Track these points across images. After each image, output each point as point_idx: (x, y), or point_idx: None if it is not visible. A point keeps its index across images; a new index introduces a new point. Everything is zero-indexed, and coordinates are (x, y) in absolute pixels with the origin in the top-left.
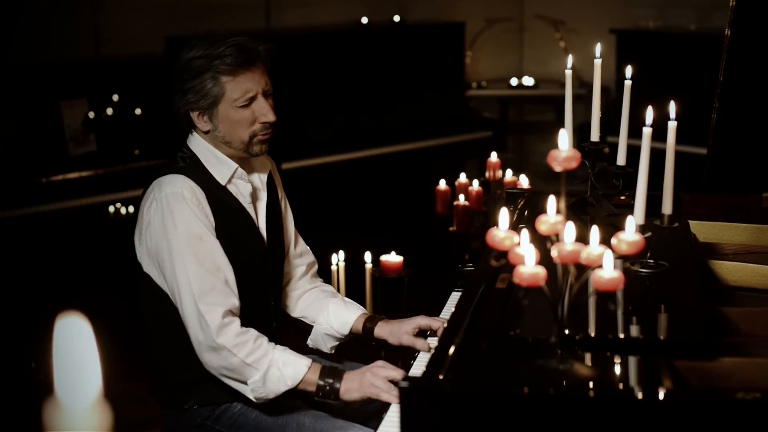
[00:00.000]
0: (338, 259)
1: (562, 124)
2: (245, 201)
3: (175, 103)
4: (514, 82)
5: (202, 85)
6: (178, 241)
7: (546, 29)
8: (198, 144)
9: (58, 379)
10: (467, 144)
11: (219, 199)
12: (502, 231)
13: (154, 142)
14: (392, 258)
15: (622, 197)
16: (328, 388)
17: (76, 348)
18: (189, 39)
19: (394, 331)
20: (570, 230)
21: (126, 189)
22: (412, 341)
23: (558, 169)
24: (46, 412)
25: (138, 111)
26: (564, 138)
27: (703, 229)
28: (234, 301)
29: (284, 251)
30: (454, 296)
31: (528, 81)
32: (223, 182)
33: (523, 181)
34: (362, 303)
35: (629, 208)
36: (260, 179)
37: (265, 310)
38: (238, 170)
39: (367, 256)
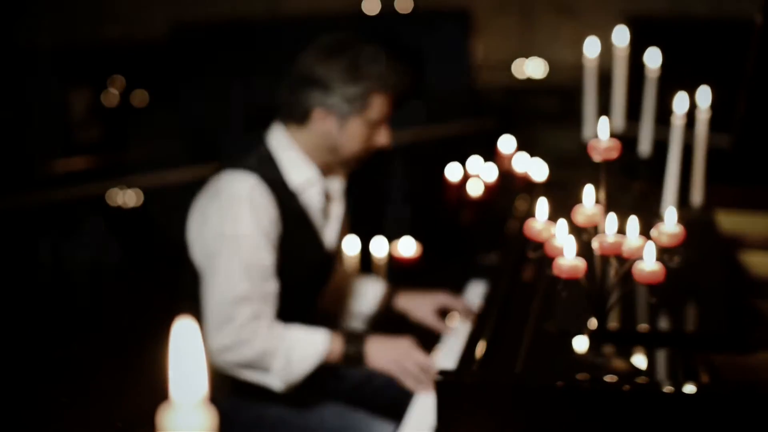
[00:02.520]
0: (351, 247)
1: (568, 114)
2: (315, 211)
3: (302, 94)
4: (520, 70)
5: (352, 92)
6: (233, 242)
7: (554, 16)
8: (281, 141)
9: (173, 382)
10: (472, 132)
11: (286, 206)
12: (540, 222)
13: (158, 131)
14: (408, 245)
15: (636, 187)
16: (354, 352)
17: (189, 351)
18: (193, 25)
19: (417, 306)
20: (611, 222)
21: (129, 175)
22: (435, 324)
23: (598, 159)
24: (160, 414)
25: (143, 97)
26: (605, 127)
27: (725, 220)
28: (267, 310)
29: (336, 262)
30: (473, 286)
31: (535, 69)
32: (295, 188)
33: (539, 167)
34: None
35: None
36: (337, 191)
37: (307, 315)
38: (317, 178)
39: (379, 245)
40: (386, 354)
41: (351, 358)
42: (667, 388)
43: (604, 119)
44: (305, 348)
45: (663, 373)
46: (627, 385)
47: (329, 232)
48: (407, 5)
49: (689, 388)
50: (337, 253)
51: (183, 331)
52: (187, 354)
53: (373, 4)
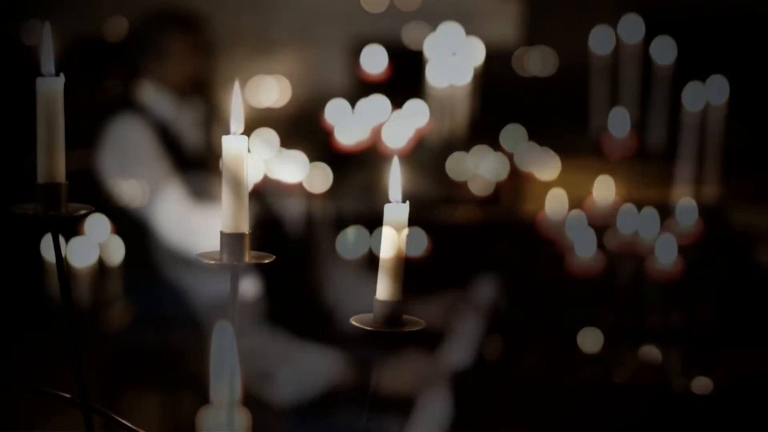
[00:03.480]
0: (355, 244)
1: (568, 109)
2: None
3: None
4: (525, 61)
5: None
6: (206, 239)
7: (553, 7)
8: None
9: (213, 385)
10: (476, 128)
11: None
12: (551, 218)
13: None
14: (415, 241)
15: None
16: (365, 381)
17: (225, 353)
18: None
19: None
20: (626, 217)
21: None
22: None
23: (614, 156)
24: (199, 417)
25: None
26: (625, 120)
27: (738, 214)
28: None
29: (316, 247)
30: (482, 282)
31: (535, 64)
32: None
33: (547, 160)
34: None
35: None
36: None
37: (299, 306)
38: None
39: (387, 236)
40: (394, 376)
41: (363, 387)
42: (680, 385)
43: (622, 111)
44: (315, 369)
45: (676, 369)
46: (640, 383)
47: (289, 213)
48: (411, 3)
49: (702, 385)
50: (312, 235)
51: (221, 334)
52: (224, 356)
53: (375, 2)
